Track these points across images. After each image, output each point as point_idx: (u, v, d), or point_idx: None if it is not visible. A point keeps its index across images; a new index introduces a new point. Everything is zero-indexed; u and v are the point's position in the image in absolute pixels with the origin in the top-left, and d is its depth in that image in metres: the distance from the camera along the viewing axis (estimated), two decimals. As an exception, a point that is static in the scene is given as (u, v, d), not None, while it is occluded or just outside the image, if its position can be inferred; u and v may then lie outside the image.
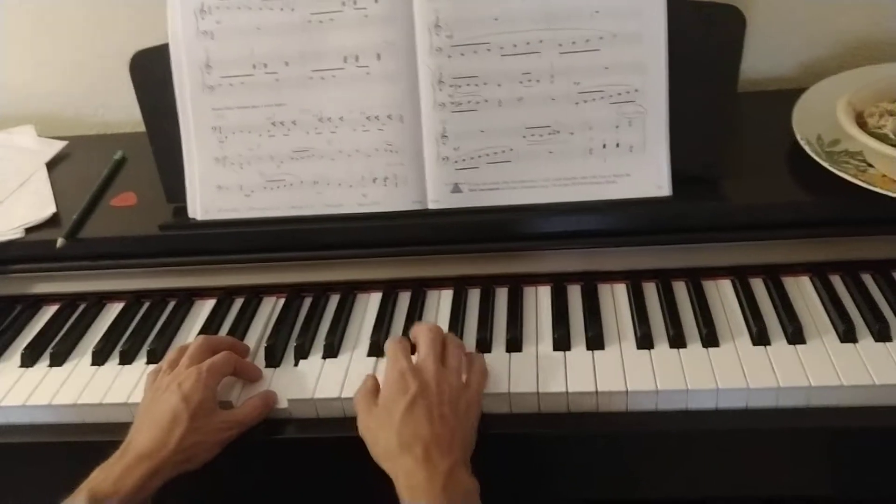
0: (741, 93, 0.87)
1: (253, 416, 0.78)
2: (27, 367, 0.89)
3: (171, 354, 0.82)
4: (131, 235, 0.95)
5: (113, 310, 0.97)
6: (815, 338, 0.80)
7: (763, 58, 1.09)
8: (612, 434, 0.77)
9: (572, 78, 0.85)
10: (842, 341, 0.79)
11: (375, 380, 0.78)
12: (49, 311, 0.98)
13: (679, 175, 0.86)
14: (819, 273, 0.87)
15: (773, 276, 0.87)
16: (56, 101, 1.26)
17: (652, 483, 0.83)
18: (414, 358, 0.77)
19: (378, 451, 0.71)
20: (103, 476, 0.71)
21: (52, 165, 1.12)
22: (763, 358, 0.78)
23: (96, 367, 0.88)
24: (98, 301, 0.98)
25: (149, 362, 0.88)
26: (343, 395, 0.79)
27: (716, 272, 0.89)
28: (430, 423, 0.70)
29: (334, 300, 0.93)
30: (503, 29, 0.84)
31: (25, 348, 0.90)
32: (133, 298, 0.97)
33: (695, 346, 0.80)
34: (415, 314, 0.89)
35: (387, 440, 0.70)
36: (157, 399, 0.77)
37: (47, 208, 1.00)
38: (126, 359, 0.88)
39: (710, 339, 0.80)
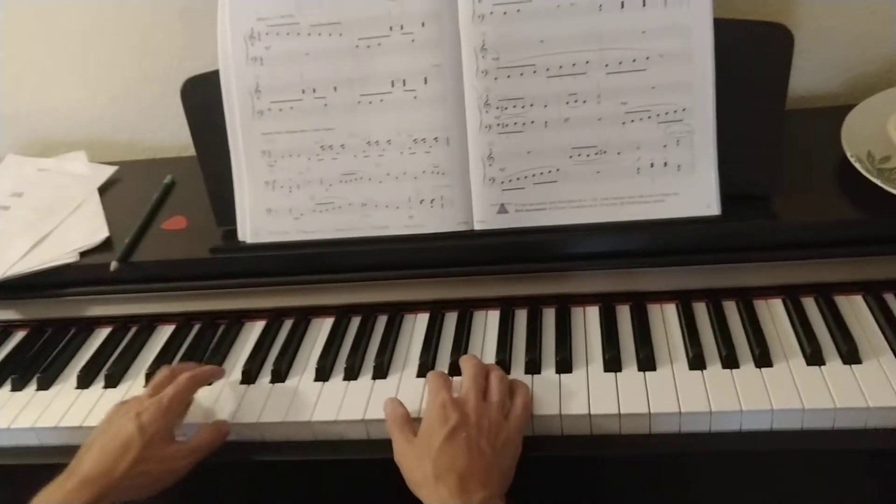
0: (790, 110, 0.86)
1: (204, 446, 0.79)
2: (83, 388, 0.91)
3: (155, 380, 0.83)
4: (182, 258, 0.97)
5: (164, 332, 0.98)
6: (870, 358, 0.79)
7: (812, 74, 1.08)
8: (665, 456, 0.76)
9: (619, 98, 0.85)
10: (898, 360, 0.78)
11: (403, 406, 0.79)
12: (102, 334, 1.00)
13: (728, 194, 0.86)
14: (872, 291, 0.86)
15: (825, 294, 0.86)
16: (106, 127, 1.29)
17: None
18: (457, 388, 0.78)
19: (414, 479, 0.72)
20: (45, 500, 0.71)
21: (103, 190, 1.14)
22: (818, 378, 0.77)
23: (149, 388, 0.89)
24: (150, 323, 1.00)
25: (201, 383, 0.89)
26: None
27: (767, 291, 0.88)
28: (467, 455, 0.70)
29: (382, 321, 0.93)
30: (549, 50, 0.85)
31: (81, 370, 0.92)
32: (184, 320, 0.99)
33: (748, 367, 0.79)
34: (462, 335, 0.89)
35: (423, 469, 0.71)
36: (112, 425, 0.77)
37: (100, 233, 1.03)
38: (179, 380, 0.89)
39: (762, 359, 0.79)
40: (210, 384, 0.86)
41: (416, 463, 0.72)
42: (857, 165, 0.87)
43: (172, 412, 0.79)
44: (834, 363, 0.79)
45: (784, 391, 0.76)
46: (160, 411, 0.77)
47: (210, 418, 0.83)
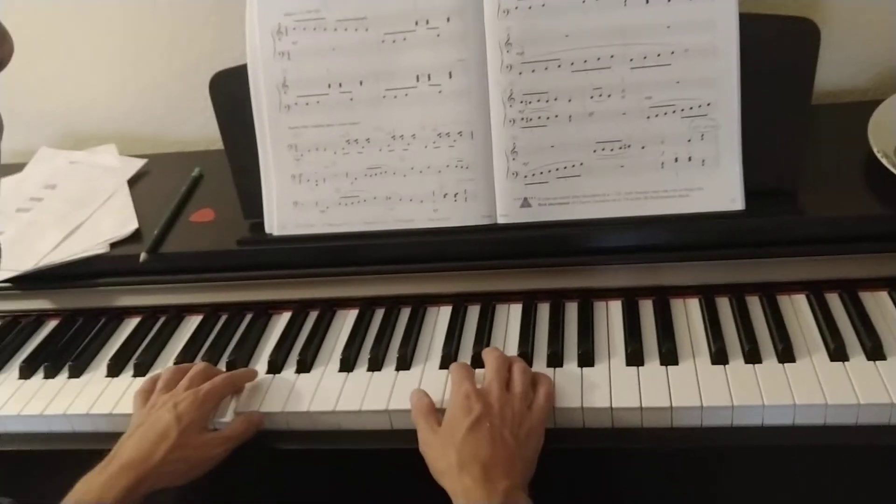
0: (817, 105, 0.86)
1: (239, 434, 0.81)
2: (113, 376, 0.93)
3: (166, 375, 0.86)
4: (210, 250, 0.98)
5: (192, 322, 1.00)
6: (895, 354, 0.78)
7: (838, 70, 1.07)
8: (687, 449, 0.77)
9: (644, 92, 0.85)
10: (924, 357, 0.77)
11: (429, 396, 0.80)
12: (131, 324, 1.02)
13: (752, 188, 0.85)
14: (898, 287, 0.86)
15: (850, 290, 0.86)
16: (136, 121, 1.31)
17: (726, 499, 0.82)
18: (480, 380, 0.79)
19: (438, 468, 0.73)
20: (87, 487, 0.73)
21: (132, 182, 1.16)
22: (841, 374, 0.77)
23: (178, 377, 0.91)
24: (177, 314, 1.01)
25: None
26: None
27: (790, 287, 0.87)
28: (491, 445, 0.71)
29: (405, 313, 0.94)
30: (574, 45, 0.85)
31: (111, 359, 0.94)
32: (211, 311, 1.00)
33: (770, 362, 0.79)
34: (485, 328, 0.90)
35: (447, 458, 0.71)
36: (151, 415, 0.80)
37: (130, 224, 1.05)
38: (206, 369, 0.91)
39: (786, 354, 0.79)
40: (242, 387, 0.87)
41: (440, 452, 0.73)
42: (884, 161, 0.87)
43: (207, 405, 0.81)
44: (858, 359, 0.78)
45: (807, 386, 0.76)
46: (196, 402, 0.80)
47: (240, 407, 0.84)
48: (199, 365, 0.87)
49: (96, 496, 0.72)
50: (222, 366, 0.91)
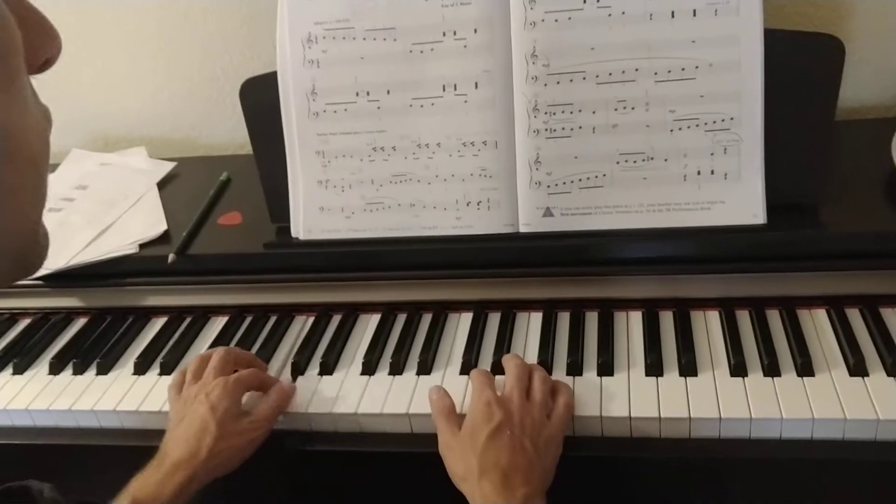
0: (841, 121, 0.86)
1: (274, 411, 0.83)
2: (140, 374, 0.95)
3: (194, 365, 0.87)
4: (237, 253, 1.00)
5: (217, 323, 1.02)
6: (916, 371, 0.78)
7: (862, 86, 1.08)
8: (705, 460, 0.77)
9: (667, 106, 0.86)
10: (944, 374, 0.77)
11: (450, 396, 0.81)
12: (158, 323, 1.04)
13: (774, 203, 0.86)
14: (919, 304, 0.86)
15: (871, 306, 0.86)
16: (166, 125, 1.33)
17: (743, 511, 0.82)
18: (500, 386, 0.80)
19: (457, 473, 0.74)
20: (142, 484, 0.76)
21: (162, 185, 1.18)
22: (861, 389, 0.77)
23: (203, 376, 0.93)
24: (204, 314, 1.03)
25: (251, 373, 0.92)
26: (437, 412, 0.81)
27: (811, 301, 0.88)
28: (511, 453, 0.72)
29: (427, 319, 0.95)
30: (599, 58, 0.86)
31: (138, 357, 0.96)
32: (236, 312, 1.02)
33: (789, 376, 0.80)
34: (505, 335, 0.91)
35: (467, 464, 0.73)
36: (187, 409, 0.81)
37: (159, 226, 1.07)
38: (230, 370, 0.93)
39: (805, 368, 0.79)
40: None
41: (460, 457, 0.74)
42: (907, 177, 0.87)
43: (237, 392, 0.82)
44: (878, 374, 0.78)
45: (826, 401, 0.76)
46: (226, 390, 0.81)
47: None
48: (218, 352, 0.87)
49: (152, 493, 0.74)
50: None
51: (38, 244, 0.45)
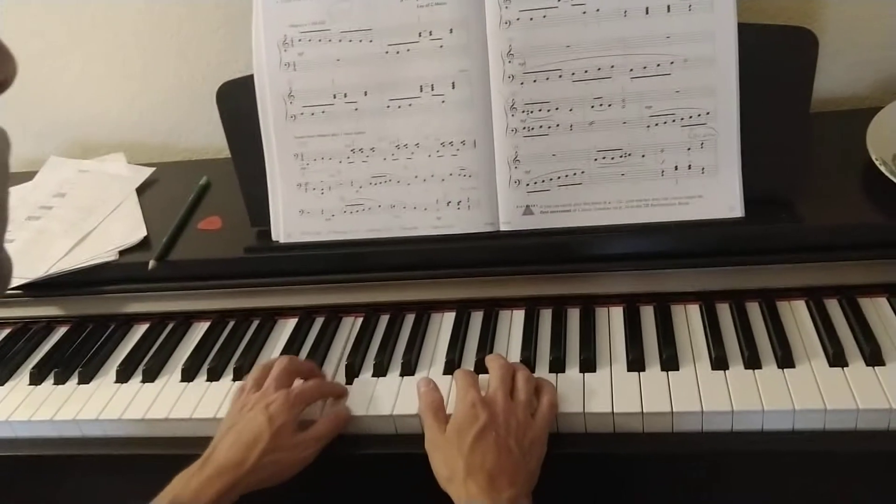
0: (815, 112, 0.87)
1: (327, 432, 0.81)
2: (122, 382, 0.94)
3: (255, 373, 0.86)
4: (217, 258, 1.00)
5: (199, 328, 1.01)
6: (894, 360, 0.79)
7: (837, 78, 1.09)
8: (688, 454, 0.78)
9: (644, 102, 0.86)
10: (922, 363, 0.78)
11: (438, 391, 0.81)
12: (140, 330, 1.03)
13: (752, 196, 0.87)
14: (897, 294, 0.87)
15: (849, 296, 0.87)
16: (144, 130, 1.33)
17: (726, 502, 0.83)
18: (485, 386, 0.80)
19: (443, 474, 0.74)
20: (183, 485, 0.75)
21: (141, 190, 1.18)
22: (841, 379, 0.78)
23: (185, 383, 0.92)
24: (185, 320, 1.03)
25: (235, 379, 0.92)
26: (421, 413, 0.81)
27: (790, 293, 0.88)
28: (496, 454, 0.72)
29: (410, 319, 0.95)
30: (575, 55, 0.86)
31: (120, 365, 0.95)
32: (218, 317, 1.02)
33: (770, 368, 0.80)
34: (488, 334, 0.91)
35: (453, 465, 0.73)
36: (243, 417, 0.80)
37: (138, 232, 1.06)
38: (213, 375, 0.92)
39: (785, 360, 0.80)
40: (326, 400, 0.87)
41: (445, 458, 0.74)
42: (882, 168, 0.88)
43: (298, 407, 0.81)
44: (857, 364, 0.79)
45: (806, 392, 0.77)
46: (287, 404, 0.80)
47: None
48: (281, 361, 0.86)
49: (192, 496, 0.73)
50: (229, 372, 0.93)
51: None
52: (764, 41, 0.85)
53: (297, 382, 0.85)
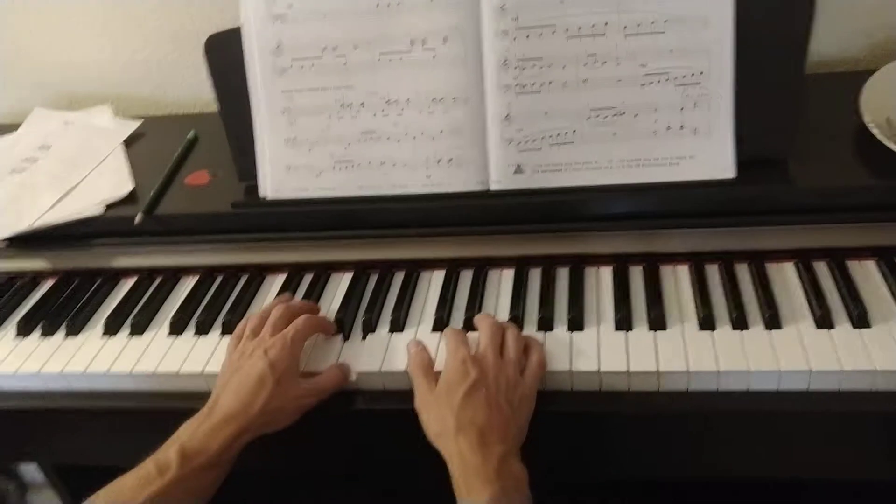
0: (809, 74, 0.86)
1: (331, 385, 0.82)
2: (110, 335, 0.94)
3: (253, 322, 0.86)
4: (205, 213, 0.99)
5: (187, 283, 1.01)
6: (880, 322, 0.79)
7: (832, 39, 1.08)
8: (673, 413, 0.78)
9: (638, 60, 0.85)
10: (908, 326, 0.78)
11: (428, 351, 0.81)
12: (127, 284, 1.02)
13: (744, 158, 0.86)
14: (885, 257, 0.86)
15: (838, 259, 0.87)
16: (131, 83, 1.30)
17: (711, 462, 0.84)
18: (473, 344, 0.80)
19: (434, 430, 0.74)
20: (191, 433, 0.75)
21: (128, 144, 1.16)
22: (826, 341, 0.78)
23: (174, 336, 0.92)
24: (173, 275, 1.02)
25: (223, 333, 0.91)
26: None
27: (779, 255, 0.89)
28: (487, 411, 0.72)
29: (399, 277, 0.95)
30: (569, 12, 0.85)
31: (108, 318, 0.95)
32: (206, 273, 1.01)
33: (757, 328, 0.80)
34: (477, 292, 0.91)
35: (444, 421, 0.73)
36: (243, 364, 0.80)
37: (125, 186, 1.05)
38: (202, 330, 0.92)
39: (772, 321, 0.80)
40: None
41: (436, 414, 0.75)
42: (875, 131, 0.87)
43: (296, 349, 0.81)
44: (843, 326, 0.80)
45: (792, 353, 0.77)
46: (286, 348, 0.80)
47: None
48: (277, 308, 0.86)
49: (201, 443, 0.74)
50: (218, 326, 0.92)
51: None
52: (760, 1, 0.83)
53: None
